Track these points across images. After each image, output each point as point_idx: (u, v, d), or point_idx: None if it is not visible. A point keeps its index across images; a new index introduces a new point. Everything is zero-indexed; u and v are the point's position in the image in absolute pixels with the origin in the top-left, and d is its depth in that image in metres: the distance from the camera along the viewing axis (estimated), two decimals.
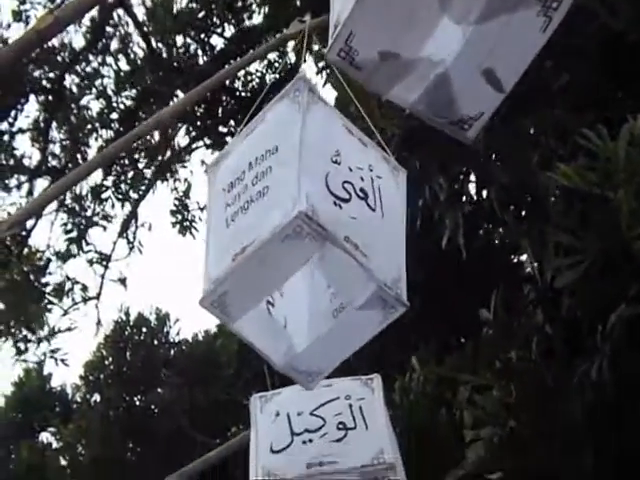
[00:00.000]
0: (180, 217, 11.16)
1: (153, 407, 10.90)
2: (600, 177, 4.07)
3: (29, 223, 9.64)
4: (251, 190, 2.99)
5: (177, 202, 11.14)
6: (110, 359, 10.89)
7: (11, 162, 9.86)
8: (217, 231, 3.07)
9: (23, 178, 10.06)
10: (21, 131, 9.89)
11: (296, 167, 2.85)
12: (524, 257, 6.32)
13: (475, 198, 5.80)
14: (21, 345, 10.05)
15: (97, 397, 10.91)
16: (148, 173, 10.89)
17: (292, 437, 4.17)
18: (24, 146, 10.42)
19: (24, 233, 9.60)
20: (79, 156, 10.10)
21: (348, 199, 2.95)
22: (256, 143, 3.06)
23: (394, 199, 3.08)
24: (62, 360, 10.24)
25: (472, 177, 5.79)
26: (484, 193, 5.76)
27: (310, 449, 4.10)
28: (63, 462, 10.84)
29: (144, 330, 11.12)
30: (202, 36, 10.05)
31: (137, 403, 10.97)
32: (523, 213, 5.57)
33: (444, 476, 5.16)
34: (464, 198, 5.66)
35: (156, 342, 11.12)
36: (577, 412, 4.63)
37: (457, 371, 5.32)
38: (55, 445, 11.07)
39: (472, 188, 5.88)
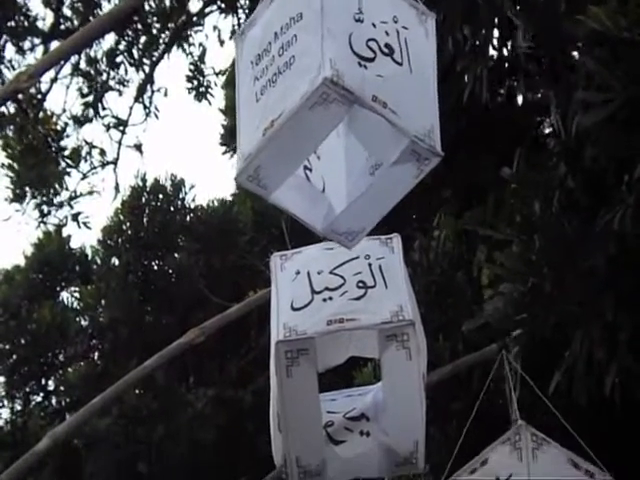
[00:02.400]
0: (196, 83, 11.06)
1: (170, 272, 11.05)
2: (631, 21, 3.97)
3: (44, 87, 9.59)
4: (278, 62, 2.98)
5: (192, 67, 11.02)
6: (127, 224, 10.98)
7: (25, 24, 9.73)
8: (247, 106, 3.09)
9: (37, 40, 9.95)
10: None
11: (319, 32, 2.84)
12: (548, 108, 6.19)
13: (499, 50, 5.68)
14: (44, 208, 10.13)
15: (115, 261, 11.05)
16: (162, 38, 10.75)
17: (312, 295, 4.21)
18: (37, 8, 10.27)
19: (39, 96, 9.56)
20: (92, 19, 9.94)
21: (373, 58, 2.94)
22: (280, 11, 3.03)
23: (423, 48, 3.04)
24: (84, 223, 10.35)
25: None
26: (508, 44, 5.64)
27: (330, 306, 4.14)
28: (83, 323, 11.08)
29: (160, 196, 11.17)
30: None
31: (155, 268, 11.11)
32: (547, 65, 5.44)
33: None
34: (488, 50, 5.54)
35: (172, 208, 11.18)
36: (599, 264, 4.64)
37: (477, 225, 5.31)
38: (75, 306, 11.29)
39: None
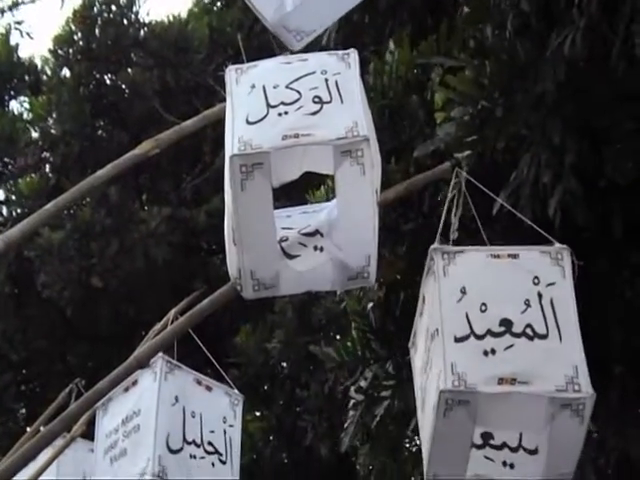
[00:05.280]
0: None
1: (123, 87, 10.84)
2: None
3: None
4: None
5: None
6: (79, 35, 10.66)
7: None
8: None
9: None
10: None
11: None
12: None
13: None
14: None
15: (67, 72, 10.80)
16: None
17: (268, 109, 4.16)
18: None
19: None
20: None
21: None
22: None
23: None
24: (27, 33, 9.99)
25: None
26: None
27: (285, 121, 4.11)
28: (34, 134, 10.91)
29: (113, 8, 10.82)
30: None
31: (107, 82, 10.90)
32: None
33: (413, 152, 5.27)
34: None
35: (125, 21, 10.86)
36: (549, 89, 4.66)
37: (431, 54, 5.25)
38: (25, 117, 11.09)
39: None
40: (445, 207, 4.21)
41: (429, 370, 3.99)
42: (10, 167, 10.75)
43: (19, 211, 10.33)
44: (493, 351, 3.77)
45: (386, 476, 7.07)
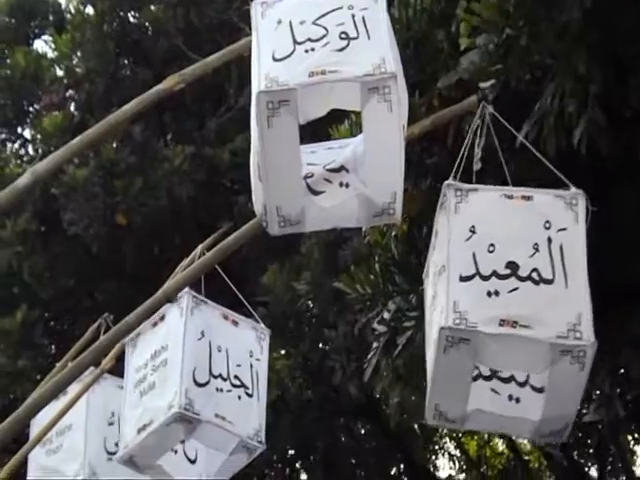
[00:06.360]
0: None
1: (147, 25, 10.78)
2: None
3: None
4: None
5: None
6: None
7: None
8: None
9: None
10: None
11: None
12: None
13: None
14: None
15: (90, 10, 10.76)
16: None
17: (294, 46, 4.14)
18: None
19: None
20: None
21: None
22: None
23: None
24: None
25: None
26: None
27: (312, 58, 4.08)
28: (59, 72, 10.91)
29: None
30: None
31: (131, 20, 10.84)
32: None
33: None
34: None
35: None
36: (575, 17, 4.58)
37: None
38: (50, 55, 11.08)
39: None
40: (468, 140, 4.19)
41: (434, 305, 4.02)
42: (35, 105, 10.76)
43: (44, 149, 10.35)
44: (497, 293, 3.78)
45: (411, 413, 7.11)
